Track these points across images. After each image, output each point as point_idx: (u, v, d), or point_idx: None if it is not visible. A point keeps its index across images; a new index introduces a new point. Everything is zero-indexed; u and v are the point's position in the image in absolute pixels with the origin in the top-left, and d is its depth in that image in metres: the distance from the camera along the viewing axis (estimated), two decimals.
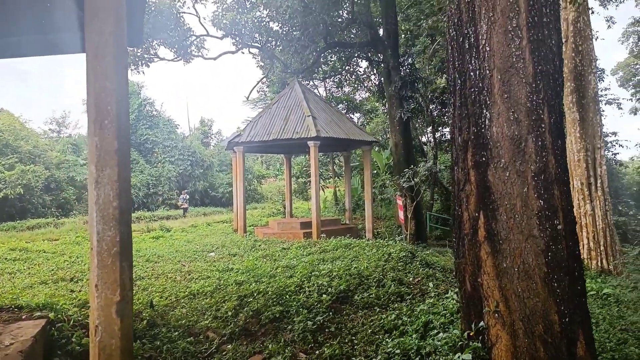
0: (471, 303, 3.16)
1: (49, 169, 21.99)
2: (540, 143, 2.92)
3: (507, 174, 2.95)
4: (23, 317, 3.92)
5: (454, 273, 4.24)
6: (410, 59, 15.49)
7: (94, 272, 2.59)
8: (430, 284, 5.67)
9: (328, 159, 23.32)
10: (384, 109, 21.37)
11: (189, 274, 7.35)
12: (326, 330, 4.52)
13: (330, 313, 4.83)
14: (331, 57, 19.14)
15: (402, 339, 3.95)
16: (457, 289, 3.86)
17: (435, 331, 3.92)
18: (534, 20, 2.97)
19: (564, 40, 9.23)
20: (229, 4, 15.80)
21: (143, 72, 18.16)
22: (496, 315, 2.94)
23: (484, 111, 3.05)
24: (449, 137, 18.30)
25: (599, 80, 19.39)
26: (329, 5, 13.49)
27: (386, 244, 8.34)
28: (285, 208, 17.08)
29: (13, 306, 4.23)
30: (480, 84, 3.07)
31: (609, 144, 20.41)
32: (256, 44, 16.59)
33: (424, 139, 21.84)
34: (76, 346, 3.67)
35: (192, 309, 5.26)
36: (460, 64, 3.22)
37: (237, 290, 5.76)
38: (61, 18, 4.15)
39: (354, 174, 21.01)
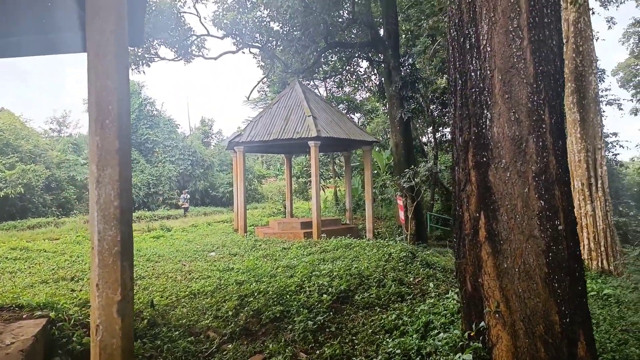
0: (472, 303, 3.16)
1: (49, 169, 22.01)
2: (541, 143, 2.92)
3: (508, 175, 2.95)
4: (24, 316, 3.93)
5: (455, 273, 4.24)
6: (410, 59, 15.48)
7: (95, 272, 2.59)
8: (431, 284, 5.67)
9: (328, 159, 23.30)
10: (384, 109, 21.36)
11: (190, 274, 7.35)
12: (327, 330, 4.52)
13: (331, 313, 4.83)
14: (332, 57, 19.13)
15: (403, 339, 3.95)
16: (457, 289, 3.86)
17: (436, 331, 3.92)
18: (535, 20, 2.97)
19: (564, 40, 9.23)
20: (230, 4, 15.79)
21: (144, 72, 18.23)
22: (497, 315, 2.94)
23: (485, 111, 3.05)
24: (449, 137, 18.36)
25: (600, 81, 19.40)
26: (329, 5, 13.49)
27: (387, 244, 8.34)
28: (285, 208, 17.07)
29: (14, 305, 4.24)
30: (481, 85, 3.07)
31: (610, 145, 20.41)
32: (257, 44, 16.59)
33: (424, 139, 21.83)
34: (77, 345, 3.67)
35: (193, 309, 5.26)
36: (461, 64, 3.22)
37: (237, 289, 5.76)
38: (62, 17, 4.15)
39: (354, 174, 20.99)
